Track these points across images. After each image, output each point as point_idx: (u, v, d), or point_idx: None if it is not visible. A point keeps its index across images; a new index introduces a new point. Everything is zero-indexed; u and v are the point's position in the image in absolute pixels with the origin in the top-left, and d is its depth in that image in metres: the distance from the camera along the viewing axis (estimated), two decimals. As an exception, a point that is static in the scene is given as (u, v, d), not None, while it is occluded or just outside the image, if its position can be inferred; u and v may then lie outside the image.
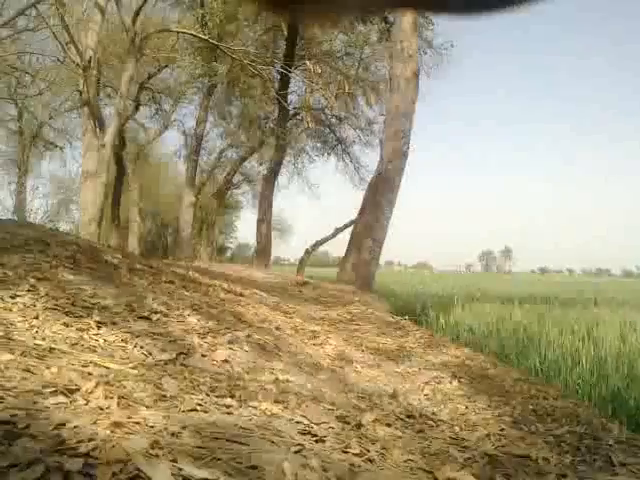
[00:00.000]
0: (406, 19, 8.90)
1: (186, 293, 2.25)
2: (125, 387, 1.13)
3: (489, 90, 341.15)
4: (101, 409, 1.00)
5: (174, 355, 1.44)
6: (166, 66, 13.55)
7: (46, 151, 17.91)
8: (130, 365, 1.26)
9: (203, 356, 1.51)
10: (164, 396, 1.16)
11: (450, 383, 1.93)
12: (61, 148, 17.10)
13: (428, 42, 13.56)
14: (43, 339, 1.28)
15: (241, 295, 2.74)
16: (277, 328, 2.06)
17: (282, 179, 15.45)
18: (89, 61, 8.48)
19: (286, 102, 11.62)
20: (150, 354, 1.42)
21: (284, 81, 11.68)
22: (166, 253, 22.73)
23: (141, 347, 1.44)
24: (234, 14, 11.52)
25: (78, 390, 1.03)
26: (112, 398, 1.04)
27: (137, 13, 8.53)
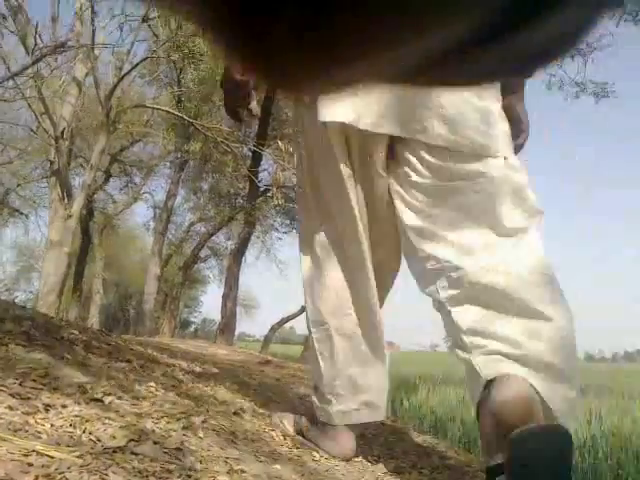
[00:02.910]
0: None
1: (143, 374, 2.19)
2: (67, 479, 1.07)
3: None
4: (39, 504, 0.94)
5: (124, 442, 1.37)
6: (139, 140, 13.76)
7: (10, 218, 17.70)
8: (76, 454, 1.20)
9: (155, 443, 1.45)
10: (109, 489, 1.10)
11: (409, 474, 1.88)
12: (26, 216, 16.94)
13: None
14: (-16, 424, 1.22)
15: (200, 376, 2.67)
16: (235, 413, 2.00)
17: (250, 255, 15.48)
18: (62, 132, 8.57)
19: (257, 179, 11.82)
20: (99, 440, 1.35)
21: (256, 159, 11.93)
22: (127, 326, 22.21)
23: (90, 433, 1.38)
24: (209, 94, 11.89)
25: (16, 484, 0.97)
26: (52, 492, 0.98)
27: (113, 89, 8.74)
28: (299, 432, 1.85)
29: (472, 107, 1.43)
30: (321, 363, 1.70)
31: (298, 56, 0.18)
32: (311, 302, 1.74)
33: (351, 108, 1.44)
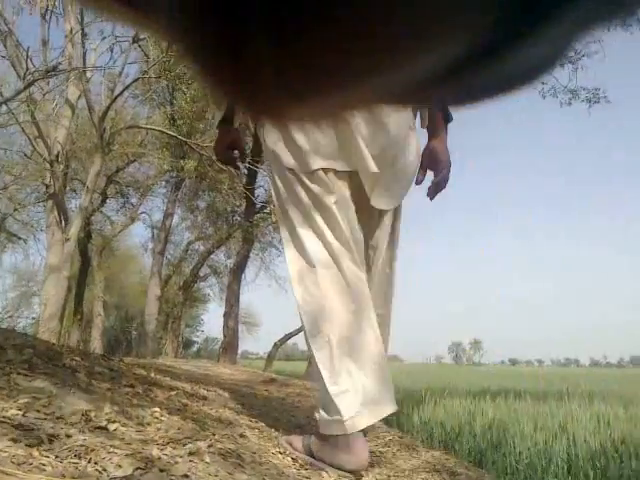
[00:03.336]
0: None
1: (147, 399, 2.16)
2: (73, 514, 1.04)
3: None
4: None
5: (130, 471, 1.35)
6: (134, 160, 13.77)
7: (9, 243, 17.64)
8: (81, 486, 1.18)
9: (161, 471, 1.42)
10: (117, 521, 1.08)
11: (421, 492, 1.86)
12: (24, 241, 16.89)
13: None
14: (-13, 459, 1.19)
15: (204, 398, 2.64)
16: (241, 435, 1.97)
17: (249, 272, 15.44)
18: (57, 155, 8.58)
19: (253, 196, 11.81)
20: (104, 470, 1.33)
21: (251, 176, 11.92)
22: (130, 348, 22.08)
23: (95, 463, 1.35)
24: (203, 112, 11.91)
25: (20, 521, 0.95)
26: (58, 529, 0.95)
27: (107, 110, 8.76)
28: (309, 452, 1.82)
29: (411, 151, 1.72)
30: (324, 373, 1.67)
31: (282, 81, 0.17)
32: (305, 313, 1.73)
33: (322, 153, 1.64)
